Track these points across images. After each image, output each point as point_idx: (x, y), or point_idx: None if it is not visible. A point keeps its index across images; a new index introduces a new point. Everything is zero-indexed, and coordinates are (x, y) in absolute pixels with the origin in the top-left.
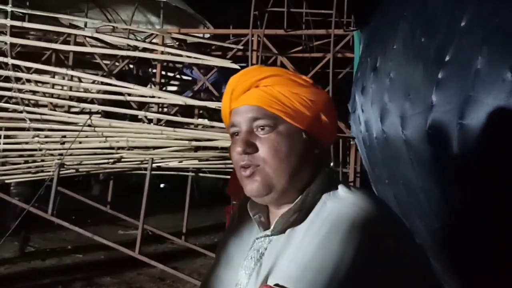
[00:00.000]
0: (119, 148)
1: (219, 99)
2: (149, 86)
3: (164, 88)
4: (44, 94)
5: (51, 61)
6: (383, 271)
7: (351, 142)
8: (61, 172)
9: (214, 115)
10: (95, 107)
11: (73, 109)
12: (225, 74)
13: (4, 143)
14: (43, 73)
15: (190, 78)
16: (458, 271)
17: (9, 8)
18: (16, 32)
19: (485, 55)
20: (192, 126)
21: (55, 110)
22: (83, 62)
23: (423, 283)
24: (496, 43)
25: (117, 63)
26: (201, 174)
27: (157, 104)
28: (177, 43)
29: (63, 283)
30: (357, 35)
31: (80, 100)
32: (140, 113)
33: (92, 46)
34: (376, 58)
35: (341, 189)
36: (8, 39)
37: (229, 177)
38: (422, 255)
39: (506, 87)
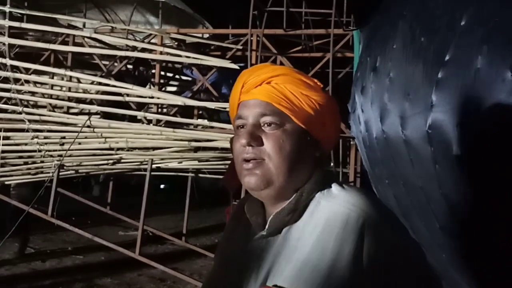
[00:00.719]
0: (118, 149)
1: (218, 99)
2: (148, 86)
3: (163, 89)
4: (43, 95)
5: (49, 61)
6: (379, 265)
7: (351, 142)
8: (60, 173)
9: (214, 115)
10: (94, 108)
11: (72, 110)
12: (225, 75)
13: (3, 145)
14: (42, 74)
15: (189, 79)
16: (458, 271)
17: (7, 8)
18: (15, 32)
19: (485, 54)
20: (191, 127)
21: (54, 111)
22: (82, 62)
23: (419, 276)
24: (496, 42)
25: (116, 64)
26: (201, 175)
27: (156, 104)
28: (176, 43)
29: (63, 285)
30: (356, 35)
31: (79, 101)
32: (140, 114)
33: (90, 46)
34: (375, 58)
35: (335, 187)
36: (7, 40)
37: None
38: (417, 249)
39: (506, 86)
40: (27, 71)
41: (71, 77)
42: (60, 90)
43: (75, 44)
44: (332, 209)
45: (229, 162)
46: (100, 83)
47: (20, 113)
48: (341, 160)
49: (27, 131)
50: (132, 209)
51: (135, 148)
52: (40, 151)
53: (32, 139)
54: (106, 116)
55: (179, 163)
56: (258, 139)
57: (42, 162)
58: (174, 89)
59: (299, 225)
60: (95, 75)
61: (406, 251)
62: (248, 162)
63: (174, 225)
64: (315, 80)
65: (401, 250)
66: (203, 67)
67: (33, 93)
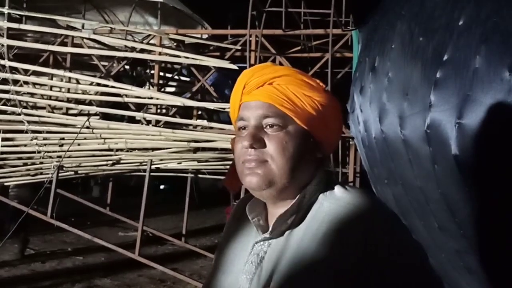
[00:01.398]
0: (117, 150)
1: (218, 100)
2: (147, 87)
3: (162, 89)
4: (42, 96)
5: (48, 63)
6: (381, 267)
7: (350, 142)
8: (60, 174)
9: (214, 116)
10: (93, 109)
11: (71, 111)
12: (225, 75)
13: (3, 146)
14: (41, 75)
15: (188, 79)
16: (457, 270)
17: (6, 10)
18: (13, 34)
19: (483, 54)
20: (190, 127)
21: (53, 112)
22: (81, 63)
23: (421, 277)
24: (494, 42)
25: (114, 65)
26: (200, 176)
27: (156, 105)
28: (174, 44)
29: (63, 286)
30: (355, 35)
31: (78, 102)
32: (139, 115)
33: (89, 47)
34: (374, 58)
35: (337, 189)
36: (5, 41)
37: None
38: (419, 250)
39: (504, 86)
40: (26, 72)
41: (70, 78)
42: (59, 91)
43: (74, 45)
44: (335, 211)
45: (228, 162)
46: (99, 84)
47: (19, 114)
48: (341, 160)
49: (26, 132)
50: (132, 210)
51: (134, 149)
52: (39, 152)
53: (31, 140)
54: (105, 117)
55: (178, 163)
56: (260, 141)
57: (41, 163)
58: (173, 89)
59: (302, 227)
60: (94, 76)
61: (408, 252)
62: (250, 162)
63: (174, 226)
64: (317, 81)
65: (403, 251)
66: (204, 68)
67: (32, 94)
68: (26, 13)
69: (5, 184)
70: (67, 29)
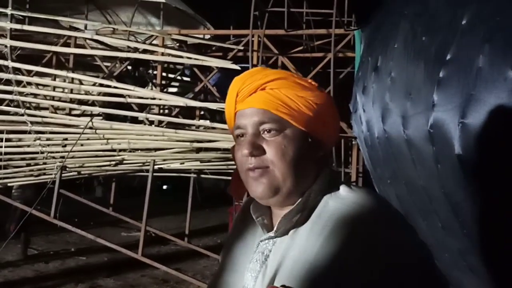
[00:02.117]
0: (120, 150)
1: (220, 100)
2: (150, 87)
3: (164, 90)
4: (45, 96)
5: (51, 63)
6: (386, 266)
7: (353, 142)
8: (63, 175)
9: (216, 116)
10: (96, 110)
11: (74, 112)
12: (228, 76)
13: (6, 146)
14: (44, 76)
15: (189, 79)
16: (460, 270)
17: (9, 11)
18: (17, 35)
19: (486, 53)
20: (193, 128)
21: (56, 113)
22: (84, 64)
23: (426, 277)
24: (498, 41)
25: (117, 65)
26: (203, 176)
27: (158, 105)
28: (177, 44)
29: (66, 286)
30: (358, 35)
31: (81, 102)
32: (141, 115)
33: (92, 48)
34: (377, 58)
35: (343, 188)
36: (9, 42)
37: (230, 178)
38: (424, 250)
39: (508, 85)
40: (29, 73)
41: (73, 78)
42: (62, 91)
43: (77, 46)
44: (341, 211)
45: (231, 162)
46: (102, 85)
47: (22, 115)
48: (343, 160)
49: (30, 133)
50: (135, 210)
51: (137, 149)
52: (42, 152)
53: (34, 141)
54: (108, 117)
55: (181, 164)
56: (259, 148)
57: (44, 163)
58: (175, 90)
59: (307, 226)
60: (97, 76)
61: (413, 252)
62: (254, 171)
63: (177, 226)
64: (309, 80)
65: (408, 251)
66: (205, 68)
67: (35, 95)
68: (29, 14)
69: (9, 184)
70: (70, 30)
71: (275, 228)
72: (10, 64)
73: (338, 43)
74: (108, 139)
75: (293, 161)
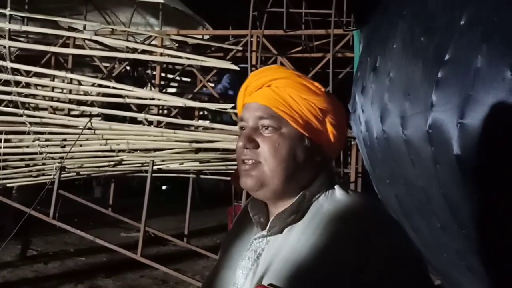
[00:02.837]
0: (119, 150)
1: (219, 100)
2: (148, 88)
3: (163, 90)
4: (43, 97)
5: (50, 64)
6: (375, 272)
7: (352, 142)
8: (62, 175)
9: (217, 116)
10: (95, 110)
11: (73, 112)
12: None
13: (5, 147)
14: (43, 76)
15: (189, 80)
16: (459, 270)
17: (7, 11)
18: (15, 35)
19: (484, 53)
20: (192, 128)
21: (55, 113)
22: (83, 64)
23: (416, 284)
24: (496, 41)
25: (116, 66)
26: (202, 176)
27: (157, 106)
28: (176, 44)
29: (65, 286)
30: (356, 35)
31: (80, 103)
32: (140, 116)
33: (91, 48)
34: (375, 58)
35: (339, 192)
36: (7, 42)
37: (230, 178)
38: (416, 257)
39: (506, 85)
40: (27, 73)
41: (71, 79)
42: (61, 92)
43: (76, 46)
44: (333, 213)
45: (230, 163)
46: (100, 85)
47: (21, 115)
48: (342, 160)
49: (28, 133)
50: (134, 211)
51: (136, 150)
52: (41, 153)
53: (33, 141)
54: (107, 118)
55: (180, 164)
56: (253, 141)
57: (43, 164)
58: (174, 90)
59: (300, 226)
60: (96, 77)
61: (404, 259)
62: (246, 163)
63: (176, 226)
64: (316, 84)
65: (398, 257)
66: (206, 69)
67: (34, 96)
68: (28, 15)
69: (8, 185)
70: (68, 30)
71: (267, 227)
72: (9, 64)
73: (337, 43)
74: (107, 139)
75: (284, 160)
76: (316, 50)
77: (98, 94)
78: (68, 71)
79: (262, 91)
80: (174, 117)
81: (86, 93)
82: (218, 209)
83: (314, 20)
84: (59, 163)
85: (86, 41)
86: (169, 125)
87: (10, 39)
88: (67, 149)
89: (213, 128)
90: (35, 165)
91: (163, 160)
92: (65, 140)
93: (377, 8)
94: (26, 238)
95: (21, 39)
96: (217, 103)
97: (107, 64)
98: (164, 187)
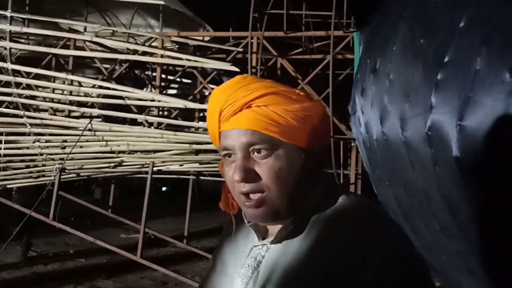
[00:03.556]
0: (119, 152)
1: None
2: (149, 89)
3: (164, 92)
4: (44, 98)
5: (51, 65)
6: (375, 276)
7: (352, 144)
8: (62, 177)
9: None
10: (95, 111)
11: (73, 114)
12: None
13: (5, 148)
14: (43, 78)
15: (189, 81)
16: (458, 271)
17: (8, 13)
18: (16, 37)
19: (484, 56)
20: (192, 129)
21: (55, 115)
22: (83, 66)
23: (415, 282)
24: (495, 44)
25: (116, 67)
26: (202, 177)
27: (157, 107)
28: (176, 46)
29: (65, 287)
30: (357, 37)
31: (80, 104)
32: (140, 117)
33: (91, 50)
34: (375, 60)
35: (340, 198)
36: (8, 44)
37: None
38: (417, 261)
39: (505, 88)
40: (28, 75)
41: (72, 80)
42: (62, 93)
43: (76, 47)
44: (333, 217)
45: None
46: (101, 87)
47: (21, 117)
48: (342, 162)
49: (29, 135)
50: (134, 212)
51: (136, 151)
52: (41, 154)
53: (33, 142)
54: (107, 119)
55: (180, 165)
56: (251, 172)
57: (43, 165)
58: (174, 92)
59: (301, 235)
60: (96, 78)
61: (404, 262)
62: (248, 197)
63: (176, 228)
64: (298, 91)
65: (398, 261)
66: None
67: (34, 97)
68: (29, 16)
69: (8, 186)
70: (69, 32)
71: (273, 237)
72: (10, 66)
73: (337, 45)
74: (107, 141)
75: (287, 182)
76: (316, 52)
77: (98, 96)
78: (68, 72)
79: (242, 114)
80: (174, 118)
81: (86, 95)
82: (218, 210)
83: (314, 21)
84: (59, 164)
85: (87, 43)
86: (169, 127)
87: (11, 40)
88: (67, 150)
89: None
90: (35, 166)
91: (163, 162)
92: (65, 141)
93: (377, 10)
94: (27, 239)
95: (22, 40)
96: None
97: (108, 66)
98: (164, 189)
